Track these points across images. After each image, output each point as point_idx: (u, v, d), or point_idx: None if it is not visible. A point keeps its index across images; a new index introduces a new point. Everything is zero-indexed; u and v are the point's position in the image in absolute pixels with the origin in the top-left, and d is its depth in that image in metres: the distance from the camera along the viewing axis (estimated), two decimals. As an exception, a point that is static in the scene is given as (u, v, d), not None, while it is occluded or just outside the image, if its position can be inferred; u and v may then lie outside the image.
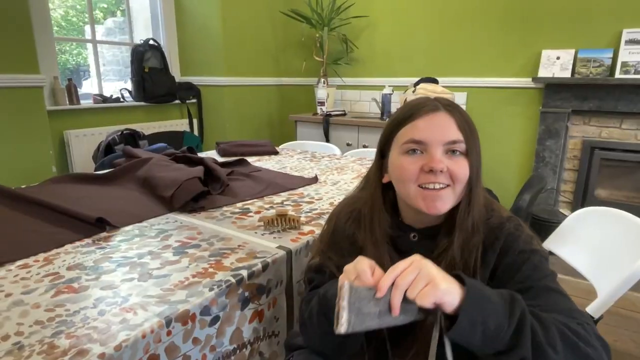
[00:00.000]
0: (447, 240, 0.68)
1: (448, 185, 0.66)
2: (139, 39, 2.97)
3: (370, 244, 0.72)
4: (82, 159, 2.59)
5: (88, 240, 0.93)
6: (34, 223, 1.02)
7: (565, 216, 1.23)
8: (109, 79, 3.15)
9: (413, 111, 0.68)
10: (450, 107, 0.68)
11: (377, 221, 0.73)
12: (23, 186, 1.34)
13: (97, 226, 0.99)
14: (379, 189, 0.74)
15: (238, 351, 0.79)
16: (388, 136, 0.71)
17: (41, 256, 0.84)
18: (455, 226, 0.67)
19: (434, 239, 0.70)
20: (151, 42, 2.94)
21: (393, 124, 0.70)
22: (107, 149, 2.38)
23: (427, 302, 0.52)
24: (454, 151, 0.66)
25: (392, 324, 0.55)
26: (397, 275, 0.55)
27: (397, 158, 0.68)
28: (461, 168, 0.65)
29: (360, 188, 0.80)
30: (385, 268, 0.71)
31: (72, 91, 2.56)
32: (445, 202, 0.66)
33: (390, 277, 0.55)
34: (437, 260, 0.68)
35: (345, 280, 0.55)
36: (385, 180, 0.73)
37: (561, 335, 0.53)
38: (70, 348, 0.56)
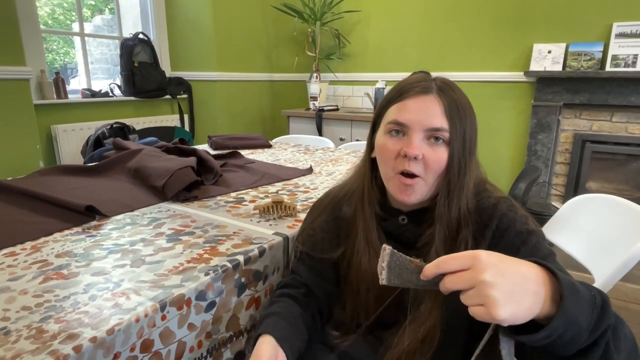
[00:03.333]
0: (429, 232, 0.66)
1: (419, 177, 0.65)
2: (128, 34, 2.92)
3: (361, 218, 0.73)
4: (71, 154, 2.54)
5: (77, 229, 0.90)
6: (20, 213, 0.98)
7: (558, 209, 1.23)
8: (97, 77, 3.09)
9: (404, 90, 0.67)
10: (443, 90, 0.66)
11: (367, 195, 0.73)
12: (9, 179, 1.30)
13: (87, 215, 0.96)
14: (368, 163, 0.75)
15: (234, 339, 0.76)
16: (380, 111, 0.72)
17: (28, 244, 0.81)
18: (435, 218, 0.66)
19: (424, 224, 0.69)
20: (141, 35, 2.88)
21: (385, 100, 0.71)
22: (96, 143, 2.32)
23: (479, 318, 0.44)
24: (436, 138, 0.64)
25: (435, 287, 0.50)
26: (446, 271, 0.47)
27: (382, 136, 0.69)
28: (437, 157, 0.64)
29: (352, 173, 0.80)
30: (374, 245, 0.70)
31: (59, 85, 2.50)
32: (416, 193, 0.66)
33: (437, 268, 0.47)
34: (420, 252, 0.66)
35: (386, 245, 0.51)
36: (373, 155, 0.73)
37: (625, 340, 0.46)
38: (60, 332, 0.53)
